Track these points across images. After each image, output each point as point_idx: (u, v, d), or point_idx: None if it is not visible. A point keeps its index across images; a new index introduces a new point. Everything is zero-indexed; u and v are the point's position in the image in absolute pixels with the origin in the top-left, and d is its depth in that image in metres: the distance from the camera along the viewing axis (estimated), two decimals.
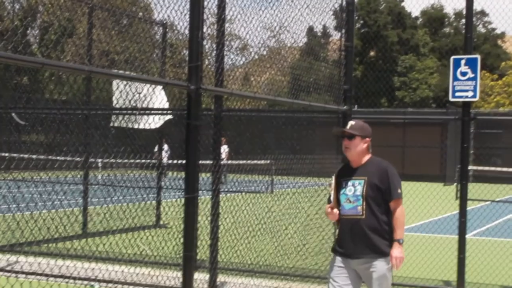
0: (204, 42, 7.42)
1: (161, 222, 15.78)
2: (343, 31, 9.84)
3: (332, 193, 6.50)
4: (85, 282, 10.02)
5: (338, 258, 6.42)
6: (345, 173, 6.54)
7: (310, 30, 10.70)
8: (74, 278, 10.10)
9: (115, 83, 13.00)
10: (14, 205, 11.99)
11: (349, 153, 6.50)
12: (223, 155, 25.37)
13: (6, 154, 12.45)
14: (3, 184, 11.40)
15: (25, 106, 13.35)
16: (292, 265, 10.02)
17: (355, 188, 6.36)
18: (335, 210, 6.45)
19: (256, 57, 10.34)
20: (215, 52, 7.82)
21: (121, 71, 10.77)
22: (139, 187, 14.80)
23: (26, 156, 11.83)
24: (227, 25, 8.67)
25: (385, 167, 6.41)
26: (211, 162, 9.32)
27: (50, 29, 23.63)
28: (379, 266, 6.27)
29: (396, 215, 6.33)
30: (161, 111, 12.79)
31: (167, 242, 11.36)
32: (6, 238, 12.03)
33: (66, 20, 16.62)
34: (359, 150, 6.48)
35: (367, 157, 6.56)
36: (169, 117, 13.36)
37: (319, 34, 11.28)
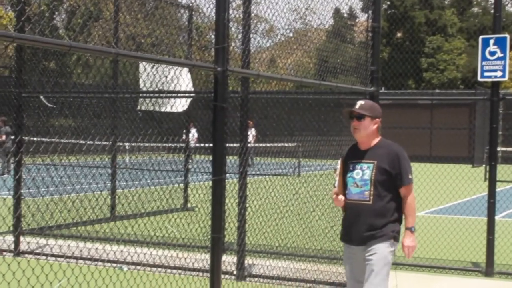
0: (230, 25, 7.40)
1: (189, 205, 15.84)
2: (370, 12, 9.76)
3: (337, 178, 6.21)
4: (114, 265, 10.09)
5: (347, 246, 6.23)
6: (353, 155, 6.22)
7: (337, 11, 10.64)
8: (103, 261, 10.18)
9: (142, 66, 13.03)
10: (43, 189, 12.10)
11: (358, 135, 6.16)
12: (250, 138, 25.42)
13: (35, 138, 12.52)
14: (32, 168, 11.49)
15: (52, 90, 13.43)
16: (320, 247, 10.01)
17: (363, 172, 6.05)
18: (341, 196, 6.19)
19: (283, 39, 10.30)
20: (241, 34, 7.80)
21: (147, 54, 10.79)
22: (166, 170, 14.86)
23: (54, 140, 11.90)
24: (253, 7, 8.65)
25: (396, 151, 6.07)
26: (238, 145, 9.34)
27: (76, 13, 23.70)
28: (381, 247, 5.96)
29: (407, 202, 6.03)
30: (188, 94, 12.81)
31: (195, 224, 11.41)
32: (36, 221, 12.15)
33: (92, 4, 16.66)
34: (369, 132, 6.13)
35: (377, 139, 6.21)
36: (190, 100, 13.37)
37: (345, 15, 11.21)
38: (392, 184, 5.99)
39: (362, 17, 10.61)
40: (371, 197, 5.98)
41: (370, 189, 5.97)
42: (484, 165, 28.84)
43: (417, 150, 33.93)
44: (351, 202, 6.11)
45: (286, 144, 20.78)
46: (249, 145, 10.13)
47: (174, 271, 9.88)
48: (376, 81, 9.66)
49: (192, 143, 25.02)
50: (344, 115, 6.44)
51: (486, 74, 10.29)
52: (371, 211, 5.96)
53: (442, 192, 15.81)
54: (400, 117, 37.84)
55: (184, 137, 24.04)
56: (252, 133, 25.87)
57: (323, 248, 10.06)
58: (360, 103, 6.23)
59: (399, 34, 65.90)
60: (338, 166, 6.22)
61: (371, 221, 5.97)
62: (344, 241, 6.24)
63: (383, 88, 37.91)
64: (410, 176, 6.00)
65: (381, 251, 5.95)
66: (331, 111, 10.52)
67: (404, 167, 5.98)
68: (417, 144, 37.48)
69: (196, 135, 26.49)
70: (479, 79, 10.49)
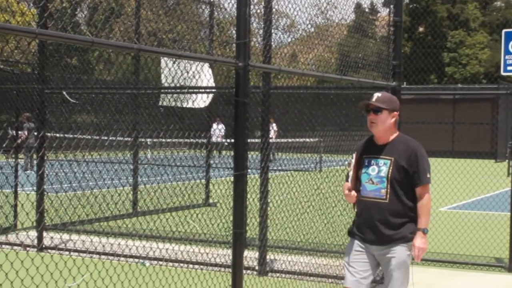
0: (251, 20, 7.39)
1: (210, 201, 15.87)
2: (392, 6, 9.72)
3: (351, 173, 5.87)
4: (136, 260, 10.13)
5: (357, 242, 5.89)
6: (369, 150, 5.90)
7: (358, 6, 10.61)
8: (125, 256, 10.23)
9: (163, 62, 13.06)
10: (66, 185, 12.17)
11: (376, 129, 5.81)
12: (272, 134, 25.45)
13: (57, 134, 12.61)
14: (55, 164, 11.57)
15: (75, 86, 13.51)
16: (342, 243, 9.99)
17: (379, 168, 5.75)
18: (353, 192, 5.86)
19: (304, 34, 10.28)
20: (262, 30, 7.79)
21: (169, 49, 10.83)
22: (188, 166, 14.90)
23: (76, 136, 11.97)
24: (274, 2, 8.64)
25: (415, 148, 5.75)
26: (259, 140, 9.33)
27: (98, 9, 23.81)
28: (399, 251, 5.70)
29: (422, 201, 5.69)
30: (209, 89, 12.82)
31: (216, 219, 11.42)
32: (59, 217, 12.22)
33: (114, 0, 16.73)
34: (386, 126, 5.81)
35: (394, 134, 5.90)
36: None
37: (367, 10, 11.17)
38: (409, 182, 5.70)
39: (384, 12, 10.58)
40: (388, 195, 5.70)
41: (387, 187, 5.69)
42: (507, 160, 28.64)
43: (439, 145, 33.77)
44: (366, 200, 5.83)
45: (307, 140, 20.75)
46: (270, 140, 10.13)
47: (196, 266, 9.90)
48: (398, 76, 9.62)
49: (219, 139, 25.07)
50: (361, 108, 6.15)
51: (509, 68, 10.21)
52: (388, 210, 5.70)
53: (464, 187, 15.71)
54: (422, 112, 37.69)
55: (213, 132, 24.15)
56: (273, 128, 25.89)
57: (345, 244, 10.03)
58: (377, 95, 5.90)
59: (421, 29, 65.55)
60: (353, 160, 5.90)
61: (388, 221, 5.71)
62: (358, 239, 5.90)
63: (405, 83, 37.75)
64: (428, 175, 5.71)
65: (400, 255, 5.73)
66: (353, 106, 10.49)
67: (423, 166, 5.69)
68: (439, 139, 37.31)
69: (223, 130, 26.48)
70: (502, 73, 10.42)
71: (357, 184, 5.90)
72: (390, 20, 9.65)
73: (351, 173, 5.86)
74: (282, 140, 26.00)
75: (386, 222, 5.70)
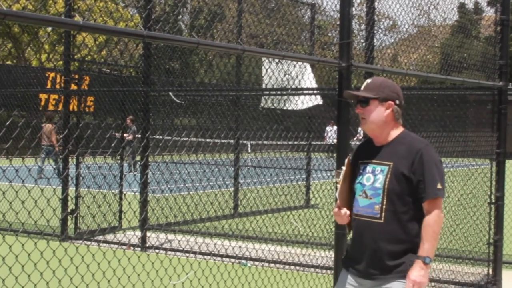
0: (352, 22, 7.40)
1: (312, 203, 15.89)
2: (498, 5, 9.51)
3: (339, 185, 4.57)
4: (232, 260, 10.23)
5: (349, 275, 4.57)
6: (366, 153, 4.58)
7: (461, 6, 10.44)
8: (228, 256, 10.35)
9: (265, 64, 13.16)
10: (169, 186, 12.42)
11: (365, 126, 4.52)
12: None
13: (160, 137, 12.90)
14: (158, 165, 11.83)
15: (178, 89, 13.80)
16: (445, 246, 9.83)
17: (375, 176, 4.42)
18: (344, 210, 4.56)
19: (406, 36, 10.19)
20: (363, 32, 7.77)
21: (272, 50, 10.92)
22: (288, 168, 14.97)
23: (179, 138, 12.22)
24: (376, 3, 8.59)
25: (420, 149, 4.33)
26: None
27: (200, 15, 24.25)
28: (395, 286, 4.34)
29: (428, 220, 4.27)
30: (312, 91, 12.84)
31: (318, 220, 11.43)
32: (165, 215, 12.48)
33: (216, 5, 16.99)
34: (379, 121, 4.45)
35: (396, 131, 4.51)
36: (319, 102, 13.38)
37: (471, 9, 10.98)
38: (412, 195, 4.32)
39: (488, 12, 10.38)
40: (383, 213, 4.35)
41: (383, 202, 4.35)
42: None
43: None
44: (357, 219, 4.50)
45: None
46: None
47: (298, 267, 9.93)
48: (505, 76, 9.40)
49: (335, 141, 25.03)
50: (347, 99, 5.20)
51: None
52: (383, 233, 4.35)
53: None
54: None
55: (326, 134, 24.09)
56: None
57: (448, 247, 9.86)
58: (366, 82, 4.61)
59: None
60: (344, 168, 4.60)
61: (382, 248, 4.35)
62: (347, 268, 4.63)
63: (511, 84, 36.75)
64: (438, 186, 4.27)
65: None
66: (457, 107, 10.32)
67: (431, 173, 4.27)
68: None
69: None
70: None
71: (352, 198, 4.62)
72: (497, 19, 9.44)
73: (339, 186, 4.58)
74: None
75: (379, 250, 4.36)
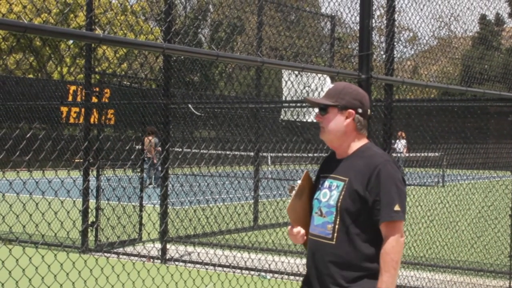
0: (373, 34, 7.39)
1: None
2: None
3: (289, 201, 4.09)
4: (252, 272, 10.21)
5: None
6: (327, 166, 4.07)
7: (482, 18, 10.40)
8: (247, 269, 10.33)
9: (285, 76, 13.17)
10: (188, 198, 12.43)
11: (324, 136, 3.98)
12: (400, 147, 25.20)
13: (180, 149, 12.93)
14: (178, 177, 11.85)
15: (198, 101, 13.83)
16: (466, 259, 9.77)
17: (331, 192, 3.90)
18: (298, 229, 4.09)
19: (426, 48, 10.17)
20: (383, 44, 7.77)
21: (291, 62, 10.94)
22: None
23: (199, 150, 12.24)
24: (396, 15, 8.59)
25: (377, 165, 3.78)
26: None
27: (220, 28, 24.36)
28: None
29: (385, 248, 3.72)
30: None
31: None
32: (185, 227, 12.49)
33: (235, 18, 17.04)
34: (336, 130, 3.92)
35: (357, 143, 3.95)
36: None
37: (492, 21, 10.94)
38: (369, 216, 3.77)
39: (510, 23, 10.34)
40: (335, 234, 3.82)
41: (335, 221, 3.82)
42: None
43: None
44: (311, 238, 3.99)
45: (429, 154, 20.40)
46: (398, 155, 10.01)
47: None
48: None
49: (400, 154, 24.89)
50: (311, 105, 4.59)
51: None
52: (334, 255, 3.81)
53: None
54: None
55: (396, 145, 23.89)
56: (402, 143, 25.53)
57: (469, 260, 9.80)
58: (328, 87, 4.09)
59: None
60: (298, 182, 4.10)
61: (334, 272, 3.80)
62: None
63: None
64: (396, 208, 3.71)
65: None
66: (478, 119, 10.27)
67: (388, 193, 3.73)
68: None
69: (404, 144, 26.08)
70: None
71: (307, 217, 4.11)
72: None
73: (289, 201, 4.10)
74: (403, 154, 25.69)
75: (330, 275, 3.82)
